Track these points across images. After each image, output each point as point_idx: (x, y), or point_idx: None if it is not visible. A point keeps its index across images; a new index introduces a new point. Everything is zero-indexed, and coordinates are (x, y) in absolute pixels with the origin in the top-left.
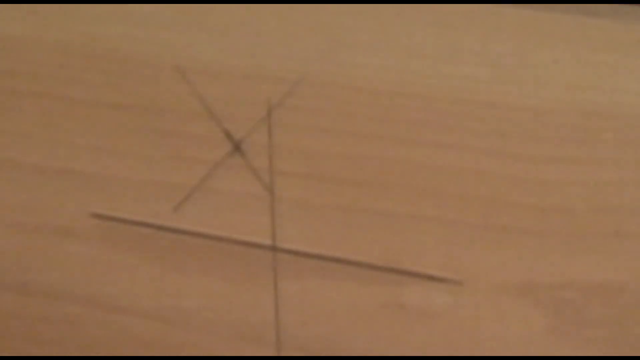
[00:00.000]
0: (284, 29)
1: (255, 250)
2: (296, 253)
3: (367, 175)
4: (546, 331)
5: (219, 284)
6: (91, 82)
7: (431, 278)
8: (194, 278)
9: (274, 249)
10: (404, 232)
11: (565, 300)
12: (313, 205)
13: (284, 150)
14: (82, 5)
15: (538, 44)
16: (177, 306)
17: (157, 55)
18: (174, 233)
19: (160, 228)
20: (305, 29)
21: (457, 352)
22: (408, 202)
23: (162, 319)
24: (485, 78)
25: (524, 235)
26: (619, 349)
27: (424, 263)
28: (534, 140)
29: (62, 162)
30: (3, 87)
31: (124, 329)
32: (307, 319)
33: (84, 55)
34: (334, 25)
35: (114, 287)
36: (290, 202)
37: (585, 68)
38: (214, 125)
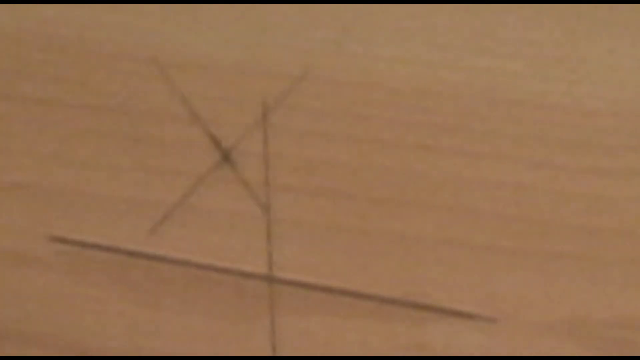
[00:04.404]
0: (283, 16)
1: (248, 280)
2: (297, 284)
3: (382, 190)
4: None
5: (204, 321)
6: (50, 78)
7: (459, 314)
8: (174, 314)
9: (270, 279)
10: (426, 258)
11: (622, 341)
12: (317, 227)
13: (281, 160)
14: None
15: (589, 32)
16: (154, 348)
17: (131, 46)
18: (151, 260)
19: (134, 254)
20: (308, 15)
21: None
22: (431, 223)
23: None
24: (525, 73)
25: (573, 263)
26: None
27: (451, 296)
28: (584, 148)
29: (15, 174)
30: None
31: None
32: None
33: (41, 45)
34: (342, 10)
35: (79, 325)
36: (289, 222)
37: None
38: (199, 130)
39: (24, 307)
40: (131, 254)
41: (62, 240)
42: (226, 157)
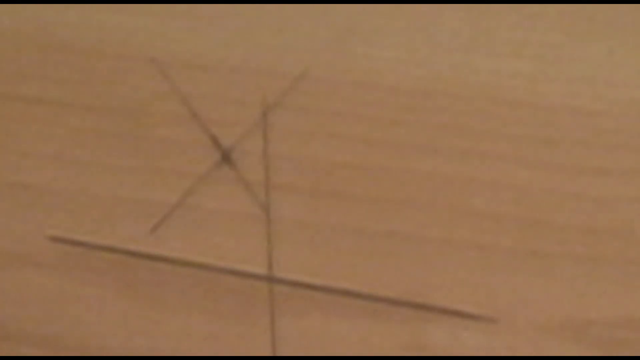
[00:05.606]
0: (283, 16)
1: (248, 280)
2: (297, 284)
3: (383, 190)
4: None
5: (204, 321)
6: (50, 78)
7: (460, 315)
8: (173, 314)
9: (270, 279)
10: (427, 259)
11: (622, 342)
12: (317, 227)
13: (282, 160)
14: None
15: (589, 32)
16: (154, 348)
17: (131, 46)
18: (150, 260)
19: (133, 254)
20: (308, 15)
21: None
22: (432, 223)
23: None
24: (527, 73)
25: (573, 263)
26: None
27: (452, 296)
28: (585, 148)
29: (14, 174)
30: None
31: None
32: None
33: (41, 45)
34: (343, 9)
35: (79, 325)
36: (289, 222)
37: None
38: (198, 129)
39: (24, 307)
40: (131, 254)
41: (62, 240)
42: (226, 157)
